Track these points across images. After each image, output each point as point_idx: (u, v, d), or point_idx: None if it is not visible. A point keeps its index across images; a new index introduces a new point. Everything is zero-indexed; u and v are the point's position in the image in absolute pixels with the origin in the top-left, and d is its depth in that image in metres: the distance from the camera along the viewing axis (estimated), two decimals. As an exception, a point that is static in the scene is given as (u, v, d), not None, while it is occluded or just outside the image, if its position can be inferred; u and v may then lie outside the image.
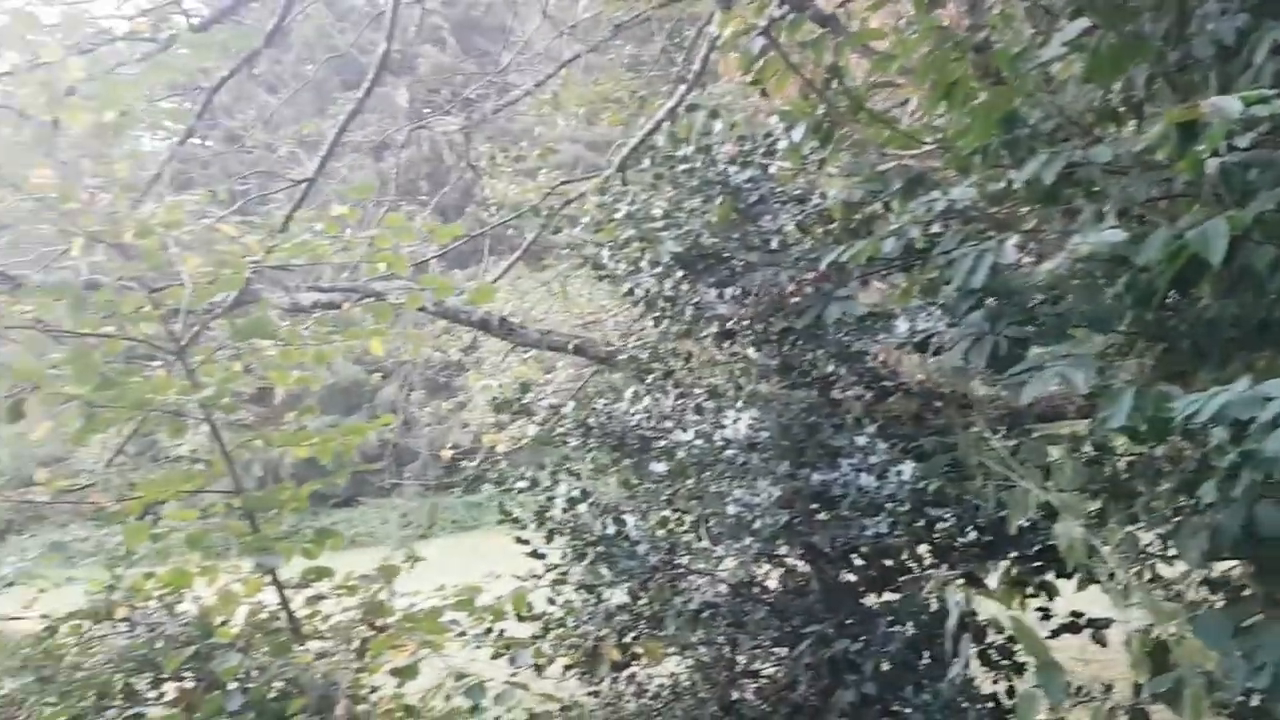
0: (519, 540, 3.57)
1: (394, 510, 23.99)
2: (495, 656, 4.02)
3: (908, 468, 3.42)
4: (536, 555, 3.66)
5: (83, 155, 3.84)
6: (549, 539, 3.54)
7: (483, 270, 7.98)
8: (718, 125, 3.87)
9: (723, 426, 3.33)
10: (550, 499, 3.48)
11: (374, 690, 4.08)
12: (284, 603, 3.93)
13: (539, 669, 3.96)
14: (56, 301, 3.56)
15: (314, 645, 3.84)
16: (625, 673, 4.07)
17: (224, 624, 3.92)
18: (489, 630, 3.93)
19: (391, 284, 5.80)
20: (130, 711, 3.66)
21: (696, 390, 3.97)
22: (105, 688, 3.72)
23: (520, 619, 4.01)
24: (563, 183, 5.96)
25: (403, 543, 3.36)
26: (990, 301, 3.61)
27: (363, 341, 4.44)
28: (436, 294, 4.52)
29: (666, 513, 3.25)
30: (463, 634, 3.81)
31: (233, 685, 3.57)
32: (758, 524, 3.21)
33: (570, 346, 5.25)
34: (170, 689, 3.84)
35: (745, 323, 3.70)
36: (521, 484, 3.47)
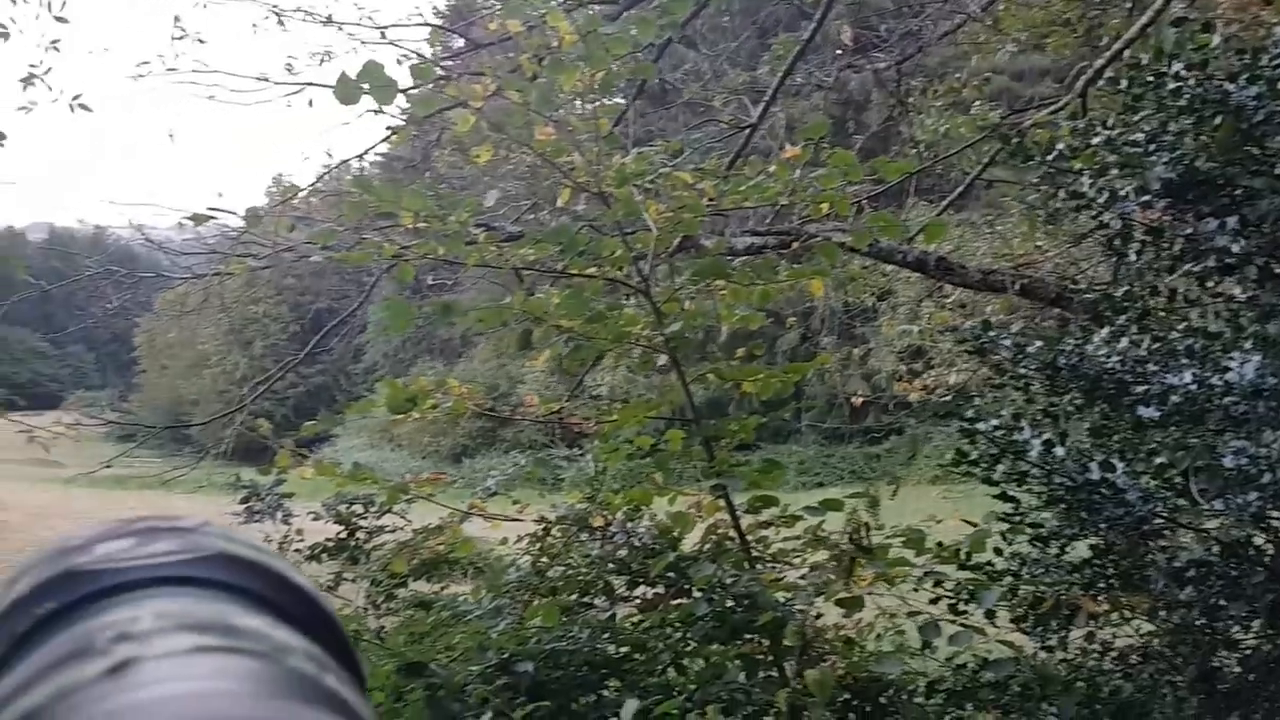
0: (988, 481, 3.48)
1: (792, 456, 24.57)
2: (934, 600, 3.99)
3: None
4: (1005, 498, 3.55)
5: (568, 113, 4.30)
6: (1020, 483, 3.41)
7: (907, 209, 7.79)
8: (1215, 38, 3.42)
9: (1225, 370, 2.98)
10: (1013, 441, 3.34)
11: (819, 616, 4.24)
12: (736, 525, 4.19)
13: (990, 615, 3.87)
14: (554, 246, 4.03)
15: (758, 569, 4.07)
16: (1083, 630, 3.84)
17: (678, 540, 4.28)
18: (928, 573, 3.90)
19: (825, 225, 5.88)
20: (609, 610, 4.14)
21: (1175, 331, 3.59)
22: (588, 585, 4.23)
23: (960, 566, 3.94)
24: (1014, 111, 5.59)
25: (887, 480, 3.41)
26: None
27: (803, 282, 4.58)
28: (882, 233, 4.50)
29: (1162, 459, 2.98)
30: (909, 573, 3.82)
31: (697, 594, 3.89)
32: (1265, 478, 2.84)
33: (1017, 286, 4.97)
34: (638, 593, 4.28)
35: (1248, 256, 3.26)
36: (985, 425, 3.36)
